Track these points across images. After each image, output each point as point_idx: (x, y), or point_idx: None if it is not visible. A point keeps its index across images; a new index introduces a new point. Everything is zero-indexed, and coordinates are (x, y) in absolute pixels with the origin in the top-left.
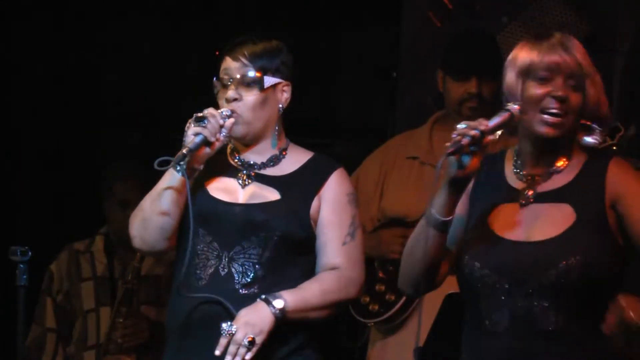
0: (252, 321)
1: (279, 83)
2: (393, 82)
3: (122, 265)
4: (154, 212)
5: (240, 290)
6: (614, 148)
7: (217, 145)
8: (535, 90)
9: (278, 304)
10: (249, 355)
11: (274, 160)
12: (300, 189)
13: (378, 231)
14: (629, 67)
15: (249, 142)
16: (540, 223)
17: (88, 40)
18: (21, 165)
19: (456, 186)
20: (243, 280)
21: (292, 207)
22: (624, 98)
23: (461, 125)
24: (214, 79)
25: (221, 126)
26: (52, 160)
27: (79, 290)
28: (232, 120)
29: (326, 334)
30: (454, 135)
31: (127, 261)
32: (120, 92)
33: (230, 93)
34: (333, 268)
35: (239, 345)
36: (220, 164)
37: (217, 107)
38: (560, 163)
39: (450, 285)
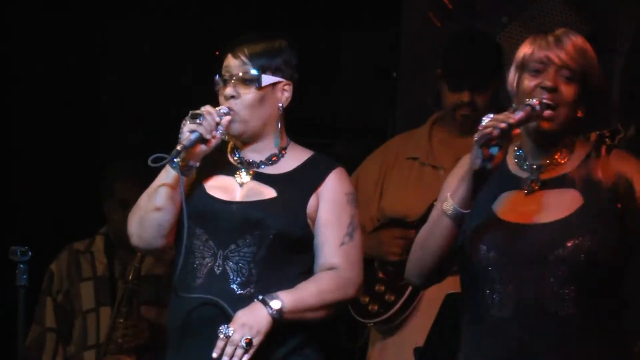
0: (249, 322)
1: (279, 82)
2: (393, 82)
3: (122, 265)
4: (150, 210)
5: (236, 290)
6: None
7: (214, 142)
8: (527, 82)
9: (275, 304)
10: (246, 357)
11: (274, 159)
12: (297, 187)
13: (378, 232)
14: (629, 67)
15: (246, 140)
16: (546, 207)
17: (88, 40)
18: (21, 165)
19: (480, 178)
20: (238, 279)
21: (288, 205)
22: (623, 98)
23: (487, 118)
24: (216, 77)
25: (217, 123)
26: (52, 160)
27: (79, 290)
28: (228, 117)
29: (326, 334)
30: (480, 128)
31: (127, 261)
32: (120, 92)
33: (229, 90)
34: (331, 268)
35: (236, 346)
36: (219, 161)
37: (218, 105)
38: (562, 156)
39: (450, 285)
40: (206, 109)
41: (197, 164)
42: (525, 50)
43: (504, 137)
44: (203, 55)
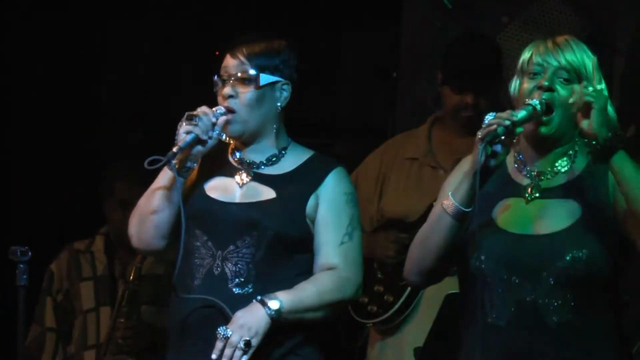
0: (248, 323)
1: (277, 82)
2: (393, 82)
3: (122, 265)
4: (149, 211)
5: (235, 290)
6: None
7: (210, 143)
8: (526, 85)
9: (273, 305)
10: (245, 358)
11: (274, 159)
12: (296, 187)
13: (375, 233)
14: (629, 68)
15: (245, 140)
16: (546, 217)
17: (88, 40)
18: (21, 165)
19: (482, 175)
20: (236, 279)
21: (286, 205)
22: (623, 99)
23: (490, 116)
24: (215, 77)
25: (214, 124)
26: (52, 160)
27: (79, 289)
28: (224, 118)
29: (325, 335)
30: (484, 125)
31: (127, 261)
32: (120, 92)
33: (227, 90)
34: (330, 268)
35: (235, 348)
36: (219, 162)
37: (217, 105)
38: (562, 164)
39: (450, 285)
40: (202, 109)
41: (195, 165)
42: (525, 56)
43: (508, 134)
44: (203, 55)
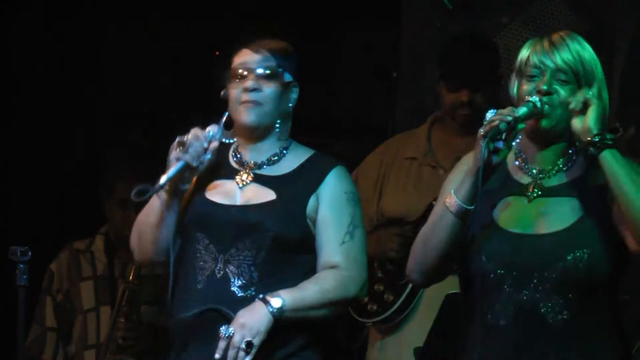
0: (249, 323)
1: (291, 82)
2: (393, 82)
3: (122, 264)
4: (147, 228)
5: (237, 293)
6: None
7: (202, 167)
8: (525, 87)
9: (276, 302)
10: (247, 358)
11: (274, 159)
12: (296, 188)
13: (376, 231)
14: (629, 68)
15: (258, 135)
16: (547, 216)
17: (88, 39)
18: (21, 165)
19: (485, 173)
20: (239, 282)
21: (287, 207)
22: (623, 99)
23: (491, 112)
24: (225, 71)
25: (205, 149)
26: (52, 160)
27: (79, 289)
28: (215, 144)
29: (325, 335)
30: (485, 122)
31: (127, 261)
32: (120, 91)
33: (251, 83)
34: (332, 267)
35: (238, 348)
36: (220, 165)
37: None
38: (564, 163)
39: (450, 285)
40: (194, 133)
41: (187, 186)
42: (522, 56)
43: (510, 130)
44: (203, 55)
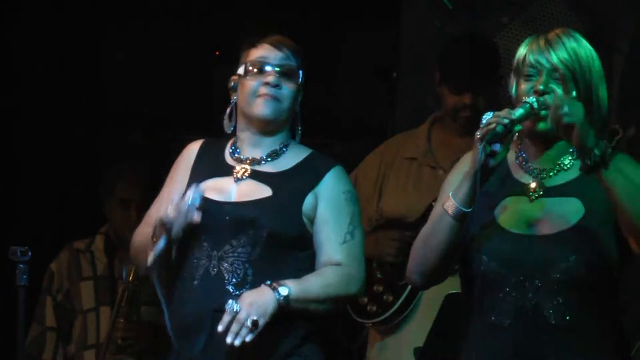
0: (257, 303)
1: (302, 84)
2: (393, 82)
3: (122, 264)
4: (144, 250)
5: (232, 290)
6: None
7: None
8: (522, 87)
9: (283, 290)
10: (250, 337)
11: (273, 156)
12: (294, 185)
13: (375, 232)
14: (629, 68)
15: (267, 130)
16: (548, 217)
17: (88, 40)
18: (21, 165)
19: (483, 175)
20: (233, 279)
21: (283, 203)
22: (623, 99)
23: (488, 115)
24: (243, 65)
25: (188, 215)
26: (52, 160)
27: (79, 289)
28: (198, 216)
29: (324, 335)
30: (482, 124)
31: (127, 261)
32: (120, 91)
33: (273, 79)
34: (334, 265)
35: (242, 325)
36: (216, 162)
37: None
38: (565, 158)
39: (450, 285)
40: (175, 206)
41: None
42: (519, 55)
43: (507, 132)
44: (203, 54)
